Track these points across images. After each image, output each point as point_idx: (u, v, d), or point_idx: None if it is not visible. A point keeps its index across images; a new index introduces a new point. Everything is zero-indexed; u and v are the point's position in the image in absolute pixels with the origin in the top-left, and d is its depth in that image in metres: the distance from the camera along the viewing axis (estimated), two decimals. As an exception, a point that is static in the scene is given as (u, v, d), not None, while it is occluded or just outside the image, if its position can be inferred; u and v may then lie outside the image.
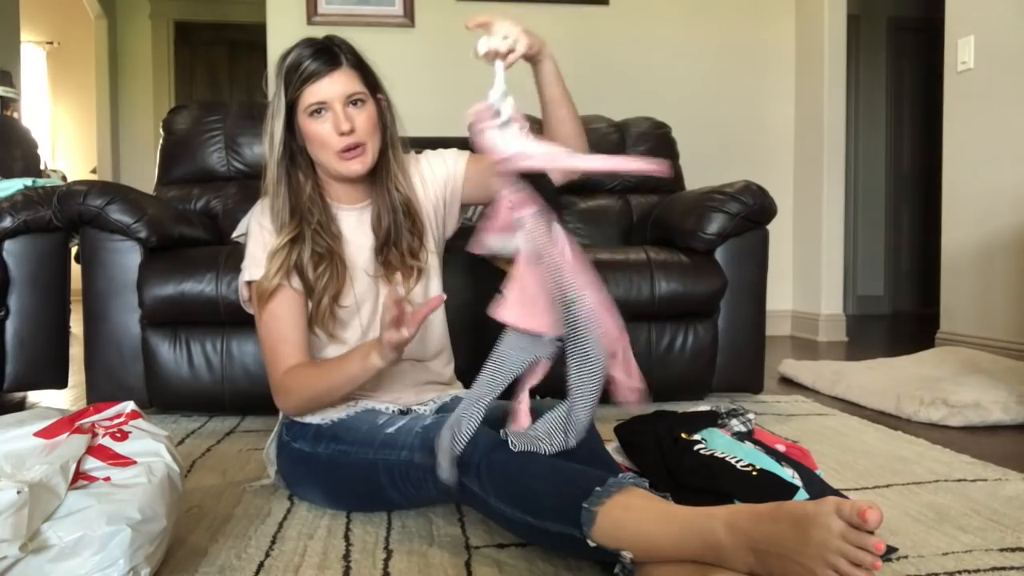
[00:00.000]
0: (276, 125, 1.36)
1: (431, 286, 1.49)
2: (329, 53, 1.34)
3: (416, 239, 1.45)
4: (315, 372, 1.36)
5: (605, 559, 1.05)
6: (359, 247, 1.44)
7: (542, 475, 1.10)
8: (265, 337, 1.39)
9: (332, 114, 1.33)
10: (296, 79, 1.33)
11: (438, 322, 1.53)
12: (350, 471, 1.31)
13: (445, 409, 1.41)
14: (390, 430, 1.28)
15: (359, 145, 1.35)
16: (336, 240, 1.41)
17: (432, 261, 1.50)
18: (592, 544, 1.01)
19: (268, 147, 1.39)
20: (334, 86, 1.33)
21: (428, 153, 1.55)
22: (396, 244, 1.43)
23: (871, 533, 0.85)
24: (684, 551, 0.96)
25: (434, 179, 1.51)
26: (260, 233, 1.41)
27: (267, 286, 1.36)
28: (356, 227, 1.46)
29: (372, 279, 1.44)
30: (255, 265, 1.39)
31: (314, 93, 1.33)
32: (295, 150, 1.40)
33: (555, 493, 1.06)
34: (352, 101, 1.35)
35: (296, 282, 1.37)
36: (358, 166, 1.37)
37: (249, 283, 1.42)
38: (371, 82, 1.39)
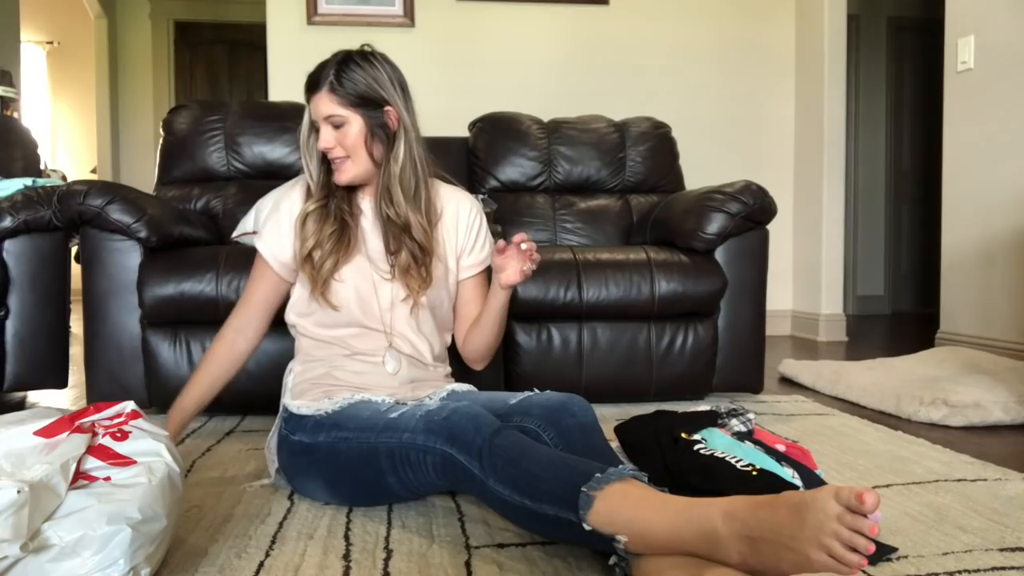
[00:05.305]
0: (304, 123, 1.54)
1: (434, 296, 1.54)
2: (314, 76, 1.48)
3: (418, 253, 1.51)
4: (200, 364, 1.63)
5: (599, 547, 1.05)
6: (372, 230, 1.54)
7: (543, 460, 1.11)
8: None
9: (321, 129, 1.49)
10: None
11: (436, 323, 1.57)
12: (351, 457, 1.32)
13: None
14: (393, 415, 1.30)
15: (340, 158, 1.48)
16: (354, 218, 1.52)
17: (439, 272, 1.55)
18: (587, 528, 1.01)
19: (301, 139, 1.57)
20: (316, 108, 1.48)
21: (484, 226, 1.63)
22: (395, 252, 1.51)
23: (867, 517, 0.85)
24: (679, 539, 0.96)
25: (458, 240, 1.59)
26: (279, 215, 1.54)
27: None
28: (372, 216, 1.55)
29: (372, 266, 1.51)
30: (260, 239, 1.55)
31: (311, 111, 1.50)
32: None
33: (554, 477, 1.08)
34: (332, 123, 1.47)
35: (286, 256, 1.51)
36: (341, 175, 1.50)
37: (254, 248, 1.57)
38: (356, 101, 1.46)
